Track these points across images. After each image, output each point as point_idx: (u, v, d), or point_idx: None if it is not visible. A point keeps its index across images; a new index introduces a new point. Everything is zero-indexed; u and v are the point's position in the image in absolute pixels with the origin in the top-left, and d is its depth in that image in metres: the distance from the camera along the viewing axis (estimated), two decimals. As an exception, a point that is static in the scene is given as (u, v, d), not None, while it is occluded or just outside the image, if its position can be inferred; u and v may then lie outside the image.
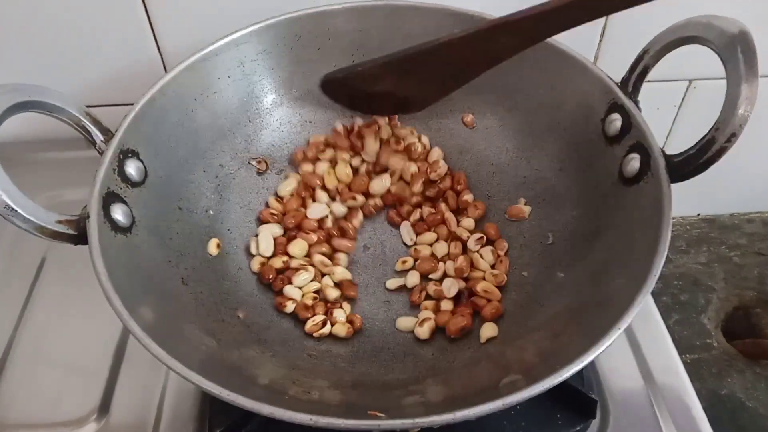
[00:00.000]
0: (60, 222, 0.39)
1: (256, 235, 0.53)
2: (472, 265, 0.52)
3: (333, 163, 0.57)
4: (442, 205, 0.56)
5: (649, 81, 0.46)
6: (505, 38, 0.44)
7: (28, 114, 0.40)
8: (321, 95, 0.58)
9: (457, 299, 0.51)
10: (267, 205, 0.56)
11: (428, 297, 0.51)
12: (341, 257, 0.53)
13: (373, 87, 0.52)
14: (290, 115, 0.58)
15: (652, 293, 0.40)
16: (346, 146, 0.57)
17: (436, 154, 0.58)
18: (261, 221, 0.55)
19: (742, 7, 0.51)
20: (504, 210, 0.55)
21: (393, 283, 0.52)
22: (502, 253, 0.53)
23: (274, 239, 0.53)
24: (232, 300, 0.49)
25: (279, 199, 0.56)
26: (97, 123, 0.44)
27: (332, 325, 0.49)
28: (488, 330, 0.47)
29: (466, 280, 0.52)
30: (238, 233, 0.53)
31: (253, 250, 0.53)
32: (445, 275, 0.52)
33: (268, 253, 0.52)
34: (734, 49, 0.38)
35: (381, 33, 0.56)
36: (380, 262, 0.54)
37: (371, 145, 0.57)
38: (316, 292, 0.51)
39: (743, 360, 0.73)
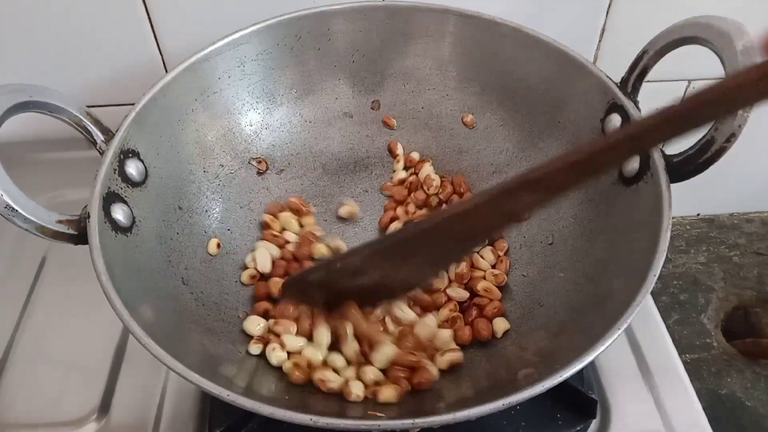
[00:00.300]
0: (60, 222, 0.39)
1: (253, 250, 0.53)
2: (473, 266, 0.52)
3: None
4: None
5: (648, 81, 0.46)
6: (525, 197, 0.38)
7: (28, 114, 0.40)
8: (320, 96, 0.58)
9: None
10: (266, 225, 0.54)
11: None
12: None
13: (357, 281, 0.44)
14: (290, 115, 0.58)
15: (652, 293, 0.40)
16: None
17: (427, 169, 0.57)
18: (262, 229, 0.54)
19: (742, 7, 0.51)
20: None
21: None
22: (501, 253, 0.53)
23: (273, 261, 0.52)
24: (233, 300, 0.49)
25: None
26: (97, 123, 0.44)
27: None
28: (500, 324, 0.47)
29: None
30: (238, 233, 0.53)
31: (249, 263, 0.52)
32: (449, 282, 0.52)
33: (266, 270, 0.51)
34: (733, 49, 0.38)
35: (381, 33, 0.56)
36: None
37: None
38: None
39: (743, 359, 0.73)
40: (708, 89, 0.31)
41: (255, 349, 0.45)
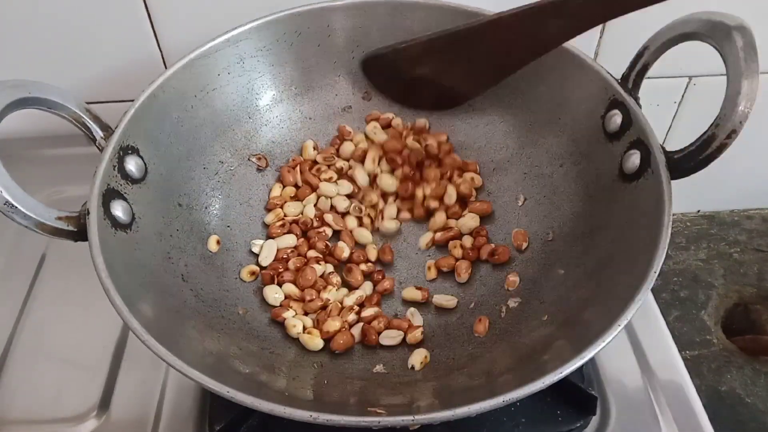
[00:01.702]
0: (60, 218, 0.39)
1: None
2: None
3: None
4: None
5: (649, 77, 0.46)
6: (555, 22, 0.42)
7: (28, 110, 0.40)
8: (320, 92, 0.58)
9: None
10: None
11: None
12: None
13: (415, 70, 0.50)
14: (290, 111, 0.58)
15: (652, 290, 0.40)
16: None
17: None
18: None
19: (742, 3, 0.51)
20: (504, 207, 0.55)
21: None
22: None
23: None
24: (232, 296, 0.49)
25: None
26: (97, 119, 0.44)
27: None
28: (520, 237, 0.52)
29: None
30: (238, 230, 0.53)
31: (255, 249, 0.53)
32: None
33: (266, 262, 0.52)
34: (734, 45, 0.38)
35: (381, 29, 0.56)
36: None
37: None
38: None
39: (743, 356, 0.73)
40: None
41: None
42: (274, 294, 0.50)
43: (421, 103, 0.54)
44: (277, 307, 0.49)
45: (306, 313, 0.49)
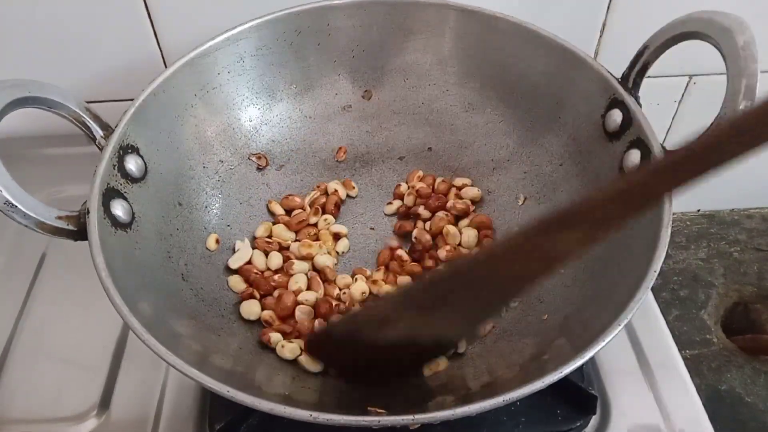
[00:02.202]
0: (60, 218, 0.39)
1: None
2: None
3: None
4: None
5: (649, 77, 0.46)
6: (564, 235, 0.33)
7: (28, 109, 0.40)
8: (320, 91, 0.58)
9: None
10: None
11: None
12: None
13: (384, 335, 0.39)
14: (290, 110, 0.58)
15: (652, 289, 0.40)
16: None
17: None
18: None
19: (743, 2, 0.51)
20: (504, 207, 0.55)
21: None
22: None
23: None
24: (232, 295, 0.49)
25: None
26: (96, 119, 0.44)
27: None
28: None
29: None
30: (237, 229, 0.53)
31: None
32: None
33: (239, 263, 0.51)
34: (734, 44, 0.38)
35: (381, 29, 0.56)
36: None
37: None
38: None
39: (742, 355, 0.73)
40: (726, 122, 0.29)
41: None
42: (252, 308, 0.48)
43: (398, 371, 0.43)
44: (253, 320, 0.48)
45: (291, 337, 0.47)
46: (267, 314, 0.48)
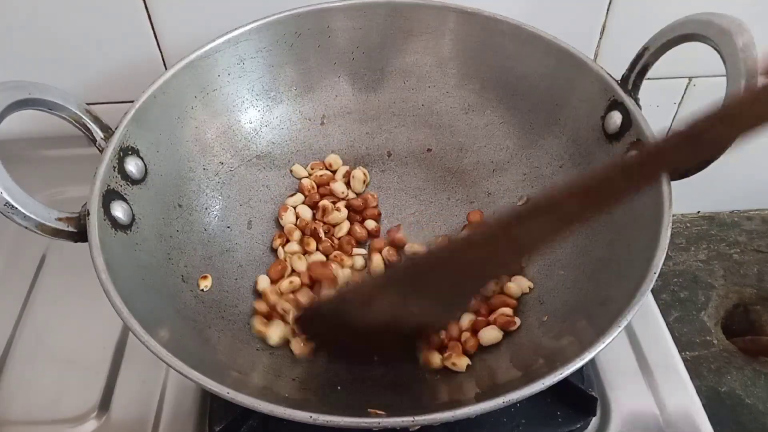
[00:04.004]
0: (60, 219, 0.39)
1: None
2: None
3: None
4: None
5: (649, 78, 0.46)
6: (537, 224, 0.35)
7: (28, 111, 0.40)
8: (320, 93, 0.58)
9: None
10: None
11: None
12: None
13: (370, 315, 0.40)
14: (290, 112, 0.58)
15: (652, 291, 0.40)
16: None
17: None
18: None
19: (742, 4, 0.51)
20: (503, 208, 0.55)
21: None
22: None
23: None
24: (233, 297, 0.49)
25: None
26: (97, 120, 0.44)
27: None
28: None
29: None
30: (238, 230, 0.53)
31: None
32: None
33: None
34: (734, 46, 0.38)
35: (381, 30, 0.56)
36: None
37: None
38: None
39: (742, 357, 0.73)
40: (712, 111, 0.31)
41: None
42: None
43: (381, 354, 0.44)
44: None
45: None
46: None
